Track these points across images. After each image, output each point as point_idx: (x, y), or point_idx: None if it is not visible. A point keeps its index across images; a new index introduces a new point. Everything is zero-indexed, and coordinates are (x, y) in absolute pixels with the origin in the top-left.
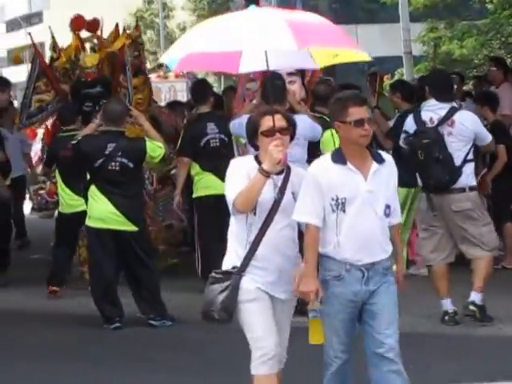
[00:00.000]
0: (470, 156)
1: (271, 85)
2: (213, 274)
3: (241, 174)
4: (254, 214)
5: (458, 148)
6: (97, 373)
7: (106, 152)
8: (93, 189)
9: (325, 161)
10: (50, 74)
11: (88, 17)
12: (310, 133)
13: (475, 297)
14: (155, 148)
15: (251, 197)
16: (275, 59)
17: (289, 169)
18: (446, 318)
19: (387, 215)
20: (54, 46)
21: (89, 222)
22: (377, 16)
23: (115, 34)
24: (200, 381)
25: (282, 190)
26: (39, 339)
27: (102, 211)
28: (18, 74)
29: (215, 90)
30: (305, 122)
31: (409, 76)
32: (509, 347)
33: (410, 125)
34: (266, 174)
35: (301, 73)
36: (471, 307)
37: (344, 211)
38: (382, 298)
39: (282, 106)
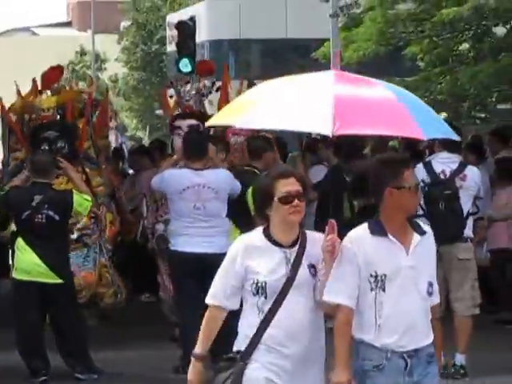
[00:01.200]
0: (472, 209)
1: (193, 140)
2: (220, 363)
3: (230, 268)
4: (265, 297)
5: (465, 201)
6: None
7: (33, 204)
8: (19, 241)
9: (362, 231)
10: (17, 130)
11: (22, 69)
12: (230, 187)
13: (462, 359)
14: (82, 201)
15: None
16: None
17: (304, 237)
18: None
19: (430, 294)
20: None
21: (14, 274)
22: (309, 71)
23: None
24: None
25: (295, 265)
26: None
27: (27, 263)
28: None
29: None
30: (225, 177)
31: None
32: None
33: (420, 176)
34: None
35: (204, 124)
36: (462, 371)
37: (384, 290)
38: None
39: (204, 160)
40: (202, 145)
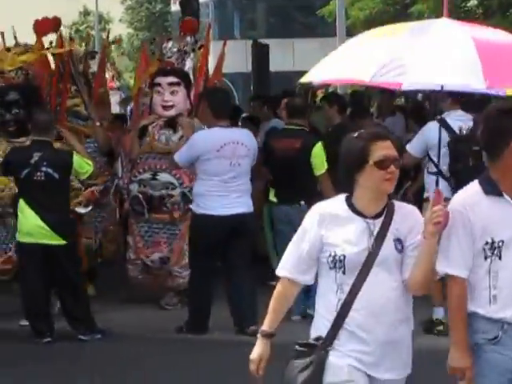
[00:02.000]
0: None
1: (222, 98)
2: (295, 347)
3: (304, 238)
4: (343, 272)
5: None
6: None
7: (32, 161)
8: (21, 203)
9: (474, 192)
10: None
11: (24, 30)
12: (255, 147)
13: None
14: (83, 164)
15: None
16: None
17: (391, 208)
18: (441, 327)
19: None
20: None
21: (18, 237)
22: (314, 30)
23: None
24: None
25: (379, 239)
26: None
27: (29, 225)
28: None
29: None
30: (252, 136)
31: (342, 90)
32: None
33: (435, 133)
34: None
35: (186, 83)
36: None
37: (500, 257)
38: None
39: (227, 120)
40: (230, 102)
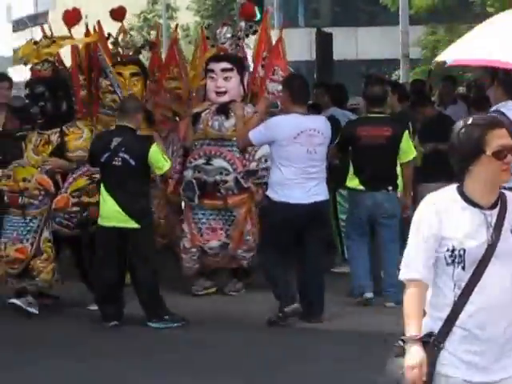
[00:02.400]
0: None
1: (301, 84)
2: (398, 342)
3: (423, 233)
4: (463, 268)
5: None
6: (90, 369)
7: (111, 146)
8: (101, 188)
9: None
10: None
11: (93, 17)
12: (330, 135)
13: None
14: (159, 158)
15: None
16: None
17: (504, 198)
18: None
19: None
20: None
21: (99, 221)
22: (377, 19)
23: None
24: (196, 380)
25: (497, 231)
26: (30, 332)
27: (108, 210)
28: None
29: None
30: (328, 123)
31: (405, 78)
32: None
33: None
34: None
35: (239, 69)
36: None
37: None
38: None
39: (304, 107)
40: (308, 89)
